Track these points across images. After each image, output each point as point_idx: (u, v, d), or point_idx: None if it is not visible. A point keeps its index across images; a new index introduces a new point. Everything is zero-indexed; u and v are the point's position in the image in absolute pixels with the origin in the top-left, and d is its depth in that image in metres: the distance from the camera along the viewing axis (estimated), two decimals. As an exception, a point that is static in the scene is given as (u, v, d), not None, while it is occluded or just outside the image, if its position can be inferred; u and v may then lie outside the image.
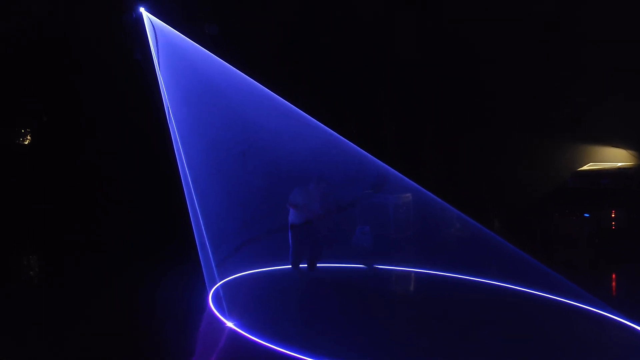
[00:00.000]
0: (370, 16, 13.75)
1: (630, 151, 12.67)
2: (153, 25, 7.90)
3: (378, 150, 9.88)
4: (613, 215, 10.98)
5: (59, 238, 12.81)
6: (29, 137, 14.78)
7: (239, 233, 10.24)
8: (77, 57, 13.05)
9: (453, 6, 13.40)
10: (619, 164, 12.47)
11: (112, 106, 13.19)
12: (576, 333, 7.13)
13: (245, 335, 6.94)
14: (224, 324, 7.39)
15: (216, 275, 8.69)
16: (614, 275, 10.14)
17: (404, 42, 14.16)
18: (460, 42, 13.55)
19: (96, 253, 11.81)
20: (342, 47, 13.66)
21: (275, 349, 6.41)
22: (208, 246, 8.25)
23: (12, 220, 12.85)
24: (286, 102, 9.19)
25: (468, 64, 13.60)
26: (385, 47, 14.07)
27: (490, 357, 6.40)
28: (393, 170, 9.85)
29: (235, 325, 7.28)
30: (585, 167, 12.72)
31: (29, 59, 13.07)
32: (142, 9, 7.94)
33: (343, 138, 9.47)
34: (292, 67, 13.03)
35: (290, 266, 9.76)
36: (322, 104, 10.99)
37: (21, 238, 12.95)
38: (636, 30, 11.52)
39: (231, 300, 8.29)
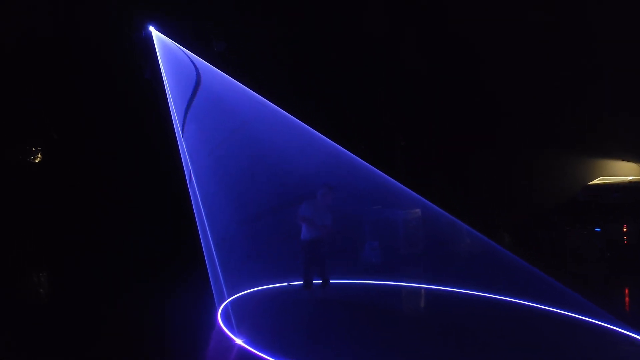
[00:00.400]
0: (382, 31, 13.70)
1: (640, 164, 12.64)
2: (163, 43, 7.78)
3: (386, 165, 9.77)
4: (625, 230, 10.91)
5: (59, 246, 12.69)
6: (32, 146, 14.61)
7: (247, 247, 10.14)
8: (82, 61, 12.90)
9: (463, 21, 13.31)
10: (630, 178, 12.38)
11: (119, 119, 13.04)
12: (587, 348, 7.08)
13: (254, 353, 6.86)
14: (233, 341, 7.32)
15: (225, 292, 8.62)
16: (626, 290, 10.12)
17: (411, 56, 14.12)
18: (468, 56, 13.50)
19: (100, 267, 11.74)
20: (351, 62, 13.60)
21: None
22: (217, 262, 8.18)
23: (12, 220, 12.74)
24: (293, 117, 9.07)
25: (477, 78, 13.55)
26: (393, 62, 14.03)
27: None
28: (401, 185, 9.72)
29: (244, 342, 7.21)
30: (595, 181, 12.64)
31: (31, 60, 12.90)
32: (151, 28, 7.81)
33: (350, 153, 9.36)
34: (299, 83, 12.95)
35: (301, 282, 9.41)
36: (329, 119, 10.87)
37: (21, 238, 12.86)
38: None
39: (240, 317, 8.24)
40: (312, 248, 9.15)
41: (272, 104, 8.96)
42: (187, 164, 8.10)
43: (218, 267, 8.21)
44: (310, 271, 9.25)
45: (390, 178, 9.25)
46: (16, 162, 14.36)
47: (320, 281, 9.38)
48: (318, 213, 9.17)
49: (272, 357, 6.64)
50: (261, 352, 6.83)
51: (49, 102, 14.16)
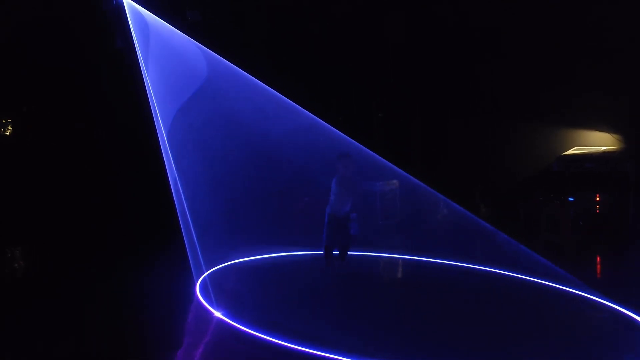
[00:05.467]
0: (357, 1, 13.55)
1: (614, 135, 12.76)
2: (134, 12, 7.56)
3: (364, 137, 9.69)
4: (597, 199, 11.11)
5: (44, 231, 12.45)
6: (10, 128, 14.17)
7: (225, 219, 10.07)
8: (60, 51, 12.44)
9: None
10: (603, 148, 12.56)
11: (93, 97, 12.67)
12: (560, 315, 7.26)
13: (234, 325, 6.88)
14: (212, 313, 7.33)
15: (203, 265, 8.59)
16: (598, 258, 10.37)
17: (390, 28, 14.00)
18: (445, 27, 13.45)
19: (79, 245, 11.56)
20: (328, 32, 13.45)
21: (265, 338, 6.36)
22: (194, 234, 8.12)
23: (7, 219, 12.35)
24: (269, 88, 8.94)
25: (454, 49, 13.49)
26: (371, 31, 13.88)
27: (469, 338, 6.42)
28: (379, 157, 9.68)
29: (223, 315, 7.23)
30: (569, 151, 12.79)
31: (8, 55, 12.45)
32: None
33: (329, 125, 9.27)
34: (276, 53, 12.75)
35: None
36: (306, 91, 10.70)
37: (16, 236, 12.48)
38: (618, 14, 11.52)
39: (219, 289, 8.23)
40: (336, 224, 8.77)
41: (247, 74, 8.83)
42: (162, 136, 7.98)
43: (195, 240, 8.16)
44: (331, 246, 8.90)
45: (367, 149, 9.21)
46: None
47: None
48: (344, 187, 8.68)
49: (251, 330, 6.64)
50: (240, 325, 6.83)
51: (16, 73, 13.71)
